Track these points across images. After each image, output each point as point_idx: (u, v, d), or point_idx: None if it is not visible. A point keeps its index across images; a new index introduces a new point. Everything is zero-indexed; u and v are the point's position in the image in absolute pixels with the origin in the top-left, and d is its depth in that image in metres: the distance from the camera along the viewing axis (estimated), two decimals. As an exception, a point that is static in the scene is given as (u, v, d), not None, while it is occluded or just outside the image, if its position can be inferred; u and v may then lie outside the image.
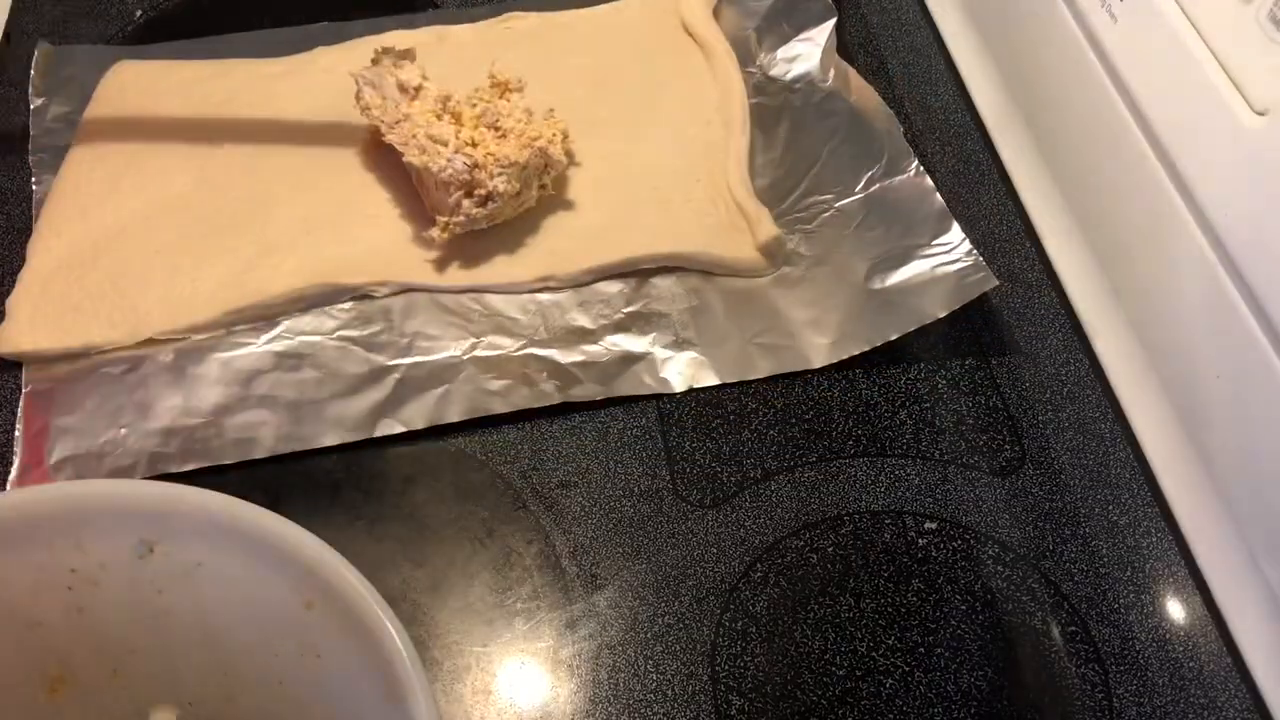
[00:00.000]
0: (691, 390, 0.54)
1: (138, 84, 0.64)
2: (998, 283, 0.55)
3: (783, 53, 0.67)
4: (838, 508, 0.50)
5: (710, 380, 0.54)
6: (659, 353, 0.55)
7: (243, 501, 0.34)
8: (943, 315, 0.54)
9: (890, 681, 0.45)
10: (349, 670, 0.32)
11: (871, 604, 0.47)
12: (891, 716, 0.44)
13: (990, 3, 0.67)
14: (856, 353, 0.54)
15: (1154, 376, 0.52)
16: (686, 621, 0.47)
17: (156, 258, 0.56)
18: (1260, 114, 0.43)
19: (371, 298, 0.56)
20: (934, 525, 0.50)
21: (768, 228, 0.57)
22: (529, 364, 0.54)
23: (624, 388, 0.54)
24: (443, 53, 0.67)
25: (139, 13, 0.71)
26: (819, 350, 0.55)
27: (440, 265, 0.57)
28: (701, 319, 0.56)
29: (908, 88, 0.68)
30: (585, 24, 0.70)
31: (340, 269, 0.57)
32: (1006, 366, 0.55)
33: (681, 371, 0.54)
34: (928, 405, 0.54)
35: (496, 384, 0.53)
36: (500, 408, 0.53)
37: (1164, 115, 0.49)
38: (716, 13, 0.70)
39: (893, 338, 0.54)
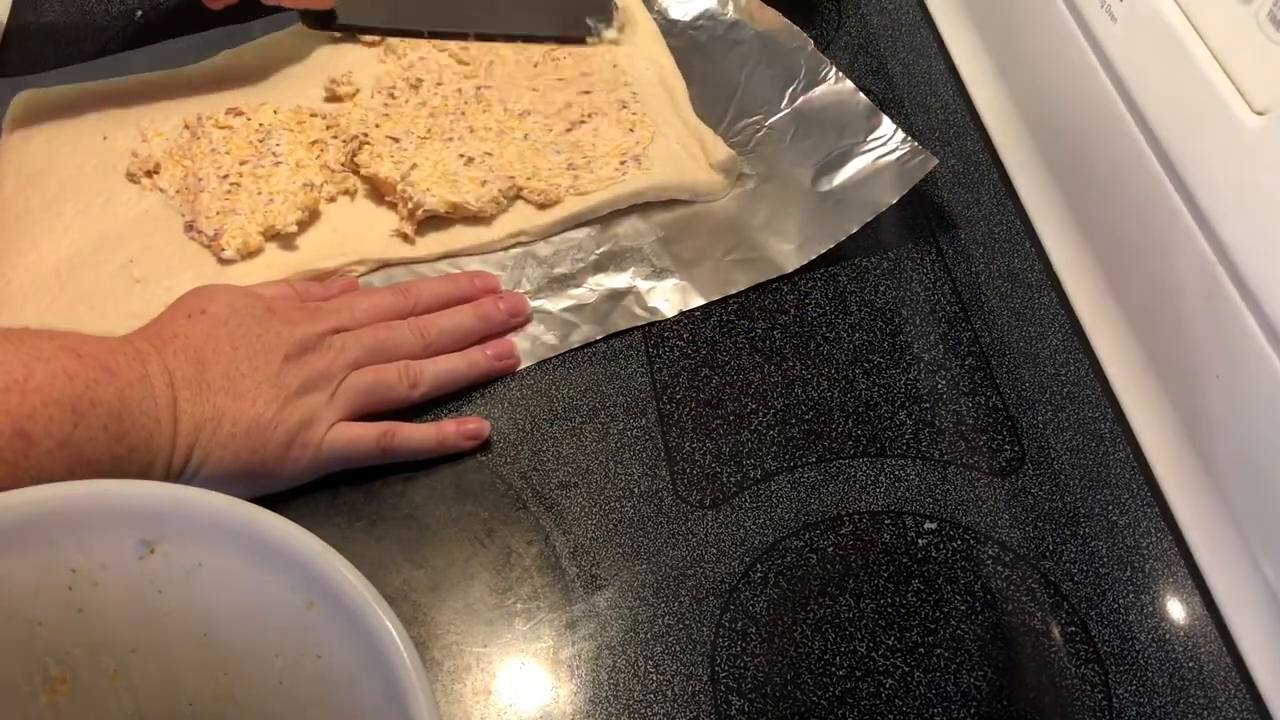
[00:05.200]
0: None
1: (50, 109, 0.63)
2: (937, 161, 0.59)
3: None
4: (838, 508, 0.50)
5: (696, 301, 0.57)
6: (641, 284, 0.58)
7: (243, 501, 0.34)
8: (894, 201, 0.58)
9: (890, 682, 0.45)
10: (349, 670, 0.32)
11: (871, 604, 0.47)
12: (891, 717, 0.44)
13: (990, 3, 0.67)
14: (824, 250, 0.58)
15: (1154, 376, 0.52)
16: (686, 622, 0.47)
17: (123, 274, 0.56)
18: (1260, 114, 0.43)
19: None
20: (934, 525, 0.50)
21: (721, 148, 0.61)
22: None
23: (619, 322, 0.56)
24: (350, 44, 0.68)
25: (139, 12, 0.71)
26: (788, 256, 0.58)
27: (411, 238, 0.59)
28: (673, 248, 0.59)
29: (908, 88, 0.68)
30: None
31: (314, 256, 0.57)
32: (1006, 366, 0.55)
33: (668, 298, 0.57)
34: (928, 405, 0.54)
35: None
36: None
37: (1164, 115, 0.49)
38: None
39: (853, 230, 0.58)
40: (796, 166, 0.61)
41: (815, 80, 0.64)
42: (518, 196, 0.60)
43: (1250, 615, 0.46)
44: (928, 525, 0.50)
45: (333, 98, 0.64)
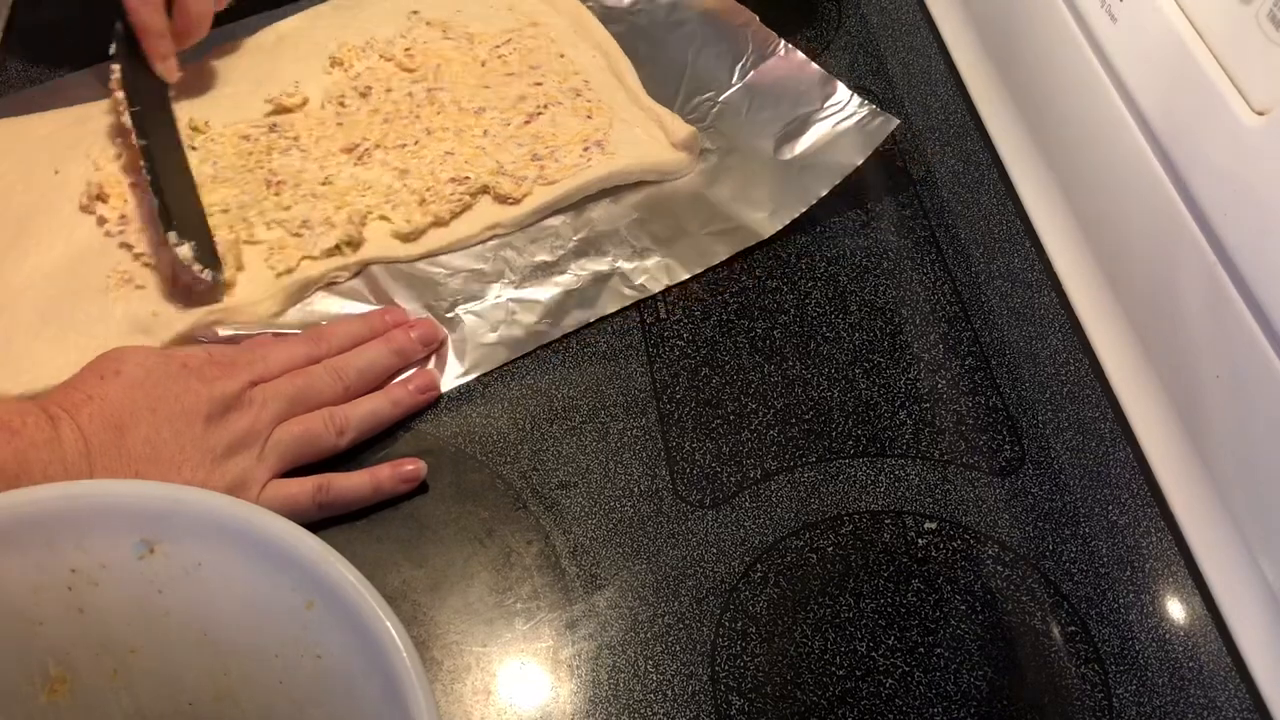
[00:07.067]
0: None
1: None
2: (898, 121, 0.60)
3: None
4: (838, 508, 0.50)
5: (681, 275, 0.58)
6: (625, 265, 0.58)
7: (243, 501, 0.34)
8: (860, 163, 0.59)
9: (890, 681, 0.45)
10: (349, 670, 0.32)
11: (871, 604, 0.47)
12: (891, 716, 0.44)
13: (990, 3, 0.67)
14: (797, 215, 0.58)
15: (1154, 376, 0.52)
16: (686, 621, 0.47)
17: (104, 298, 0.55)
18: (1260, 114, 0.43)
19: (335, 284, 0.57)
20: (934, 525, 0.50)
21: (680, 125, 0.61)
22: (515, 310, 0.56)
23: (608, 305, 0.57)
24: (285, 46, 0.68)
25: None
26: (762, 223, 0.59)
27: (392, 237, 0.59)
28: (649, 227, 0.59)
29: (908, 88, 0.68)
30: None
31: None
32: (1006, 366, 0.55)
33: (653, 275, 0.58)
34: (928, 405, 0.54)
35: (492, 335, 0.55)
36: (505, 356, 0.55)
37: (1164, 115, 0.49)
38: None
39: (823, 193, 0.59)
40: (757, 138, 0.62)
41: (764, 54, 0.65)
42: (482, 192, 0.60)
43: (1250, 615, 0.46)
44: (928, 525, 0.50)
45: (280, 109, 0.63)
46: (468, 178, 0.59)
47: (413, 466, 0.50)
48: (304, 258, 0.57)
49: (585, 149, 0.61)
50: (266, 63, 0.67)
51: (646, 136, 0.62)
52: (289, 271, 0.56)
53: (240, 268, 0.57)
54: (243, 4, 0.68)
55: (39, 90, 0.67)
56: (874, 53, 0.70)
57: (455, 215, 0.59)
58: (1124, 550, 0.49)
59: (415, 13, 0.69)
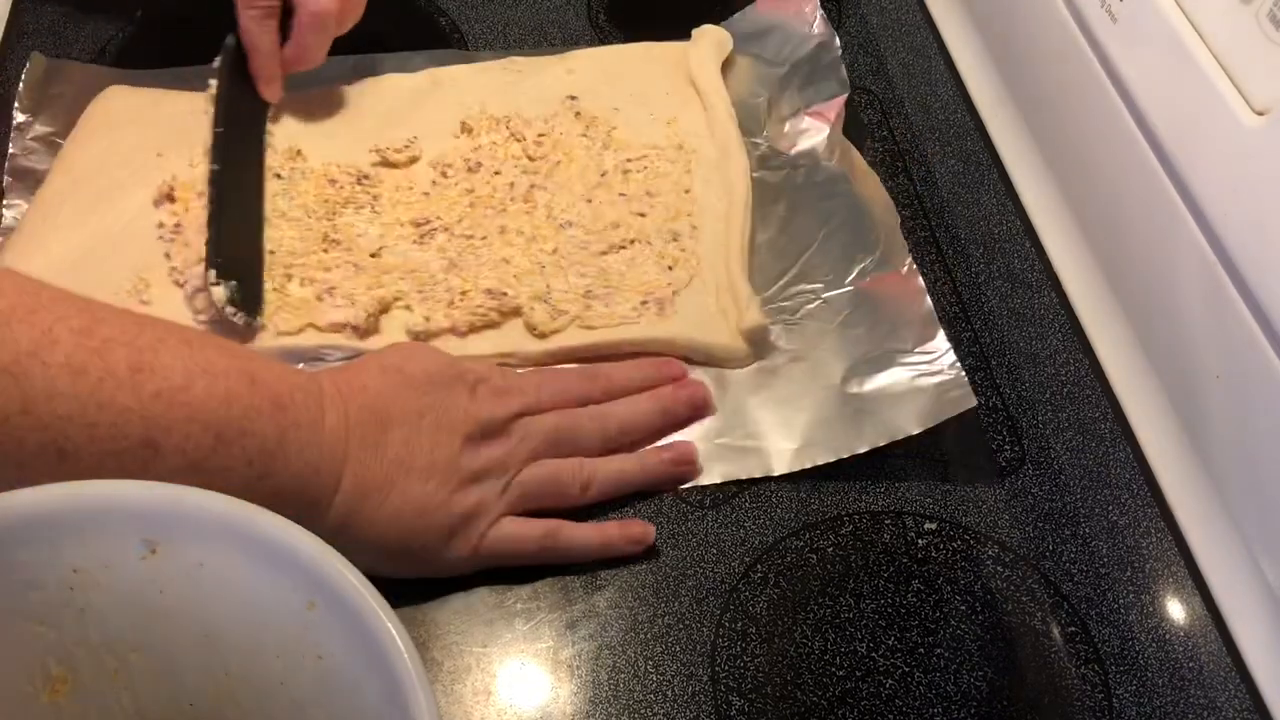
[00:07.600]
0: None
1: (127, 113, 0.61)
2: (976, 403, 0.51)
3: (791, 125, 0.63)
4: (838, 508, 0.50)
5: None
6: None
7: (244, 502, 0.34)
8: (915, 432, 0.50)
9: (890, 681, 0.45)
10: (349, 671, 0.32)
11: (871, 604, 0.47)
12: (891, 716, 0.44)
13: (990, 3, 0.67)
14: (821, 463, 0.51)
15: (1154, 376, 0.52)
16: (686, 621, 0.47)
17: (117, 297, 0.53)
18: (1260, 114, 0.43)
19: (321, 359, 0.53)
20: (934, 525, 0.50)
21: (753, 314, 0.53)
22: None
23: None
24: (435, 94, 0.64)
25: (139, 12, 0.71)
26: (782, 456, 0.51)
27: (405, 332, 0.54)
28: None
29: (908, 88, 0.68)
30: (589, 64, 0.66)
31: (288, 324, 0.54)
32: (1006, 366, 0.55)
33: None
34: (928, 405, 0.54)
35: None
36: None
37: (1164, 115, 0.49)
38: (729, 71, 0.66)
39: (860, 451, 0.50)
40: (833, 356, 0.54)
41: (888, 263, 0.56)
42: (514, 314, 0.54)
43: (1250, 615, 0.46)
44: (928, 525, 0.50)
45: (384, 163, 0.60)
46: (505, 294, 0.54)
47: (640, 530, 0.48)
48: (309, 325, 0.53)
49: (643, 302, 0.54)
50: (404, 107, 0.63)
51: (716, 310, 0.54)
52: (288, 334, 0.53)
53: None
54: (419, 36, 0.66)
55: (193, 69, 0.64)
56: (874, 53, 0.70)
57: (474, 329, 0.54)
58: (1124, 550, 0.49)
59: (573, 99, 0.63)
